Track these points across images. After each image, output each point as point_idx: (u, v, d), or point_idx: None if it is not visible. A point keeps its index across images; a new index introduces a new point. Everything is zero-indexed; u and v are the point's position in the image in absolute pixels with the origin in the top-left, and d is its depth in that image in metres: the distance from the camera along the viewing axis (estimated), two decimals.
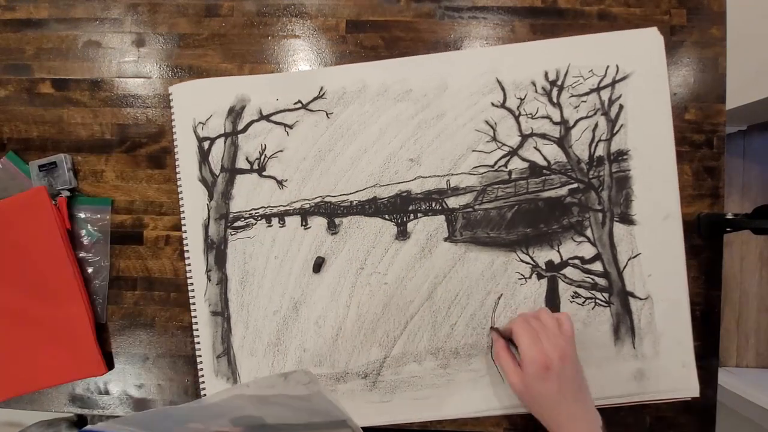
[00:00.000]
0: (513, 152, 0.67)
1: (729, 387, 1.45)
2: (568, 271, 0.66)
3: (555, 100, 0.67)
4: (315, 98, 0.68)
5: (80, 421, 0.67)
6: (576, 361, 0.58)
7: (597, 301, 0.66)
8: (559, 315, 0.61)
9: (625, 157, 0.66)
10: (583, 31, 0.68)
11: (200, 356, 0.68)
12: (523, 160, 0.67)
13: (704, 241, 0.67)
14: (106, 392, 0.70)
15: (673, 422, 0.68)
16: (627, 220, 0.66)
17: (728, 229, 0.65)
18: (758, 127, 1.64)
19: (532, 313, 0.62)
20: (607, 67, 0.66)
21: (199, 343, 0.68)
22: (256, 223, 0.68)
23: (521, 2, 0.69)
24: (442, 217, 0.67)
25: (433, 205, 0.67)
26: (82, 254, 0.69)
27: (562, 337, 0.58)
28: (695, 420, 0.68)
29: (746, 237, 1.62)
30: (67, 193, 0.69)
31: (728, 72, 0.68)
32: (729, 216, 0.65)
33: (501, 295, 0.66)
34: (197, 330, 0.68)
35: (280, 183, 0.68)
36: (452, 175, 0.67)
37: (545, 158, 0.67)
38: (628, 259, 0.66)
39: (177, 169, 0.69)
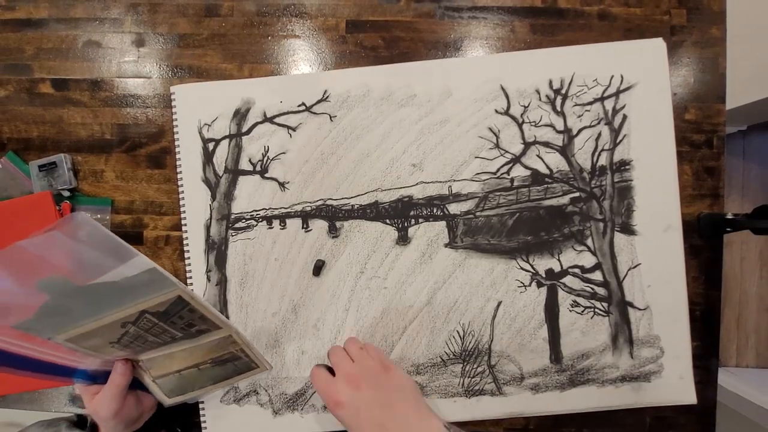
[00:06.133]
0: (515, 160, 0.67)
1: (729, 387, 1.46)
2: (568, 280, 0.66)
3: (559, 108, 0.66)
4: (319, 101, 0.68)
5: (80, 421, 0.68)
6: (383, 378, 0.57)
7: (596, 310, 0.66)
8: (365, 342, 0.64)
9: (627, 167, 0.66)
10: (583, 31, 0.68)
11: None
12: (526, 167, 0.67)
13: (704, 241, 0.68)
14: None
15: (672, 422, 0.68)
16: (628, 230, 0.66)
17: (728, 229, 0.66)
18: (758, 127, 1.64)
19: (337, 346, 0.64)
20: (612, 76, 0.66)
21: None
22: (257, 225, 0.68)
23: (521, 2, 0.69)
24: (443, 223, 0.67)
25: (435, 211, 0.67)
26: None
27: (359, 363, 0.58)
28: (695, 420, 0.68)
29: (746, 237, 1.63)
30: (67, 193, 0.68)
31: (728, 72, 0.68)
32: (729, 216, 0.65)
33: (500, 302, 0.67)
34: None
35: (282, 185, 0.68)
36: (454, 181, 0.67)
37: (548, 166, 0.66)
38: (628, 269, 0.66)
39: (178, 170, 0.68)
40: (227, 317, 0.68)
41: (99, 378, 0.56)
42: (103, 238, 0.38)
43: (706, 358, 0.68)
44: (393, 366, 0.60)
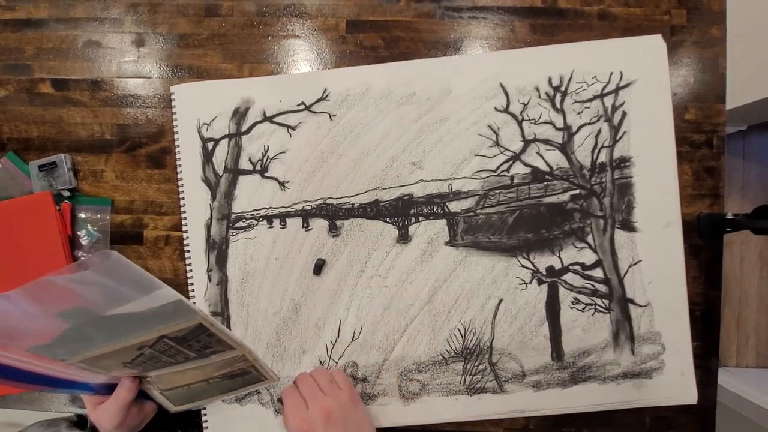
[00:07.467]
0: (515, 157, 0.67)
1: (729, 387, 1.45)
2: (569, 277, 0.66)
3: (558, 105, 0.66)
4: (318, 100, 0.68)
5: (80, 421, 0.68)
6: (352, 415, 0.59)
7: (597, 307, 0.66)
8: (333, 371, 0.64)
9: (627, 164, 0.66)
10: (583, 31, 0.68)
11: None
12: (526, 165, 0.67)
13: (704, 241, 0.68)
14: None
15: (672, 423, 0.68)
16: (628, 226, 0.66)
17: (728, 229, 0.66)
18: (758, 127, 1.64)
19: (306, 375, 0.63)
20: (611, 73, 0.66)
21: None
22: (257, 224, 0.68)
23: (521, 2, 0.69)
24: (444, 221, 0.67)
25: (435, 209, 0.67)
26: (81, 254, 0.69)
27: (332, 396, 0.59)
28: (695, 420, 0.68)
29: (746, 237, 1.62)
30: (67, 193, 0.69)
31: (728, 72, 0.68)
32: (729, 216, 0.65)
33: (501, 300, 0.67)
34: None
35: (282, 184, 0.68)
36: (454, 179, 0.67)
37: (548, 164, 0.66)
38: (629, 266, 0.66)
39: (178, 169, 0.69)
40: (228, 316, 0.68)
41: (102, 390, 0.56)
42: (133, 275, 0.38)
43: (706, 357, 0.68)
44: (360, 401, 0.62)
